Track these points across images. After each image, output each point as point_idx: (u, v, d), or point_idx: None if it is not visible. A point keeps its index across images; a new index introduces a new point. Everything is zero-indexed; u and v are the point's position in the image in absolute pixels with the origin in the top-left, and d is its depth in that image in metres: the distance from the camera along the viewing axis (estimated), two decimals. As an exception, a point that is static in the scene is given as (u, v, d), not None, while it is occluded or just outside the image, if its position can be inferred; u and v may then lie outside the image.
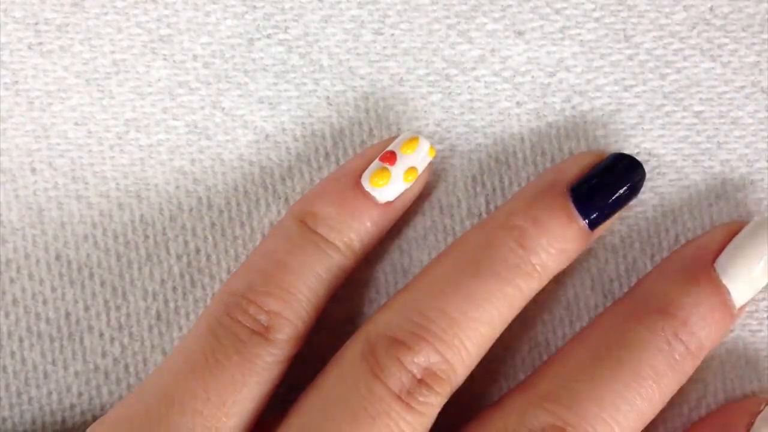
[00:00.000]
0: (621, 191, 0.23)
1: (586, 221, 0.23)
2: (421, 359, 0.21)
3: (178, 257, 0.25)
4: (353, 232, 0.23)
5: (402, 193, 0.24)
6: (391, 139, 0.24)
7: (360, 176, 0.24)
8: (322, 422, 0.21)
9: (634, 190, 0.24)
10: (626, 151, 0.25)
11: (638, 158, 0.24)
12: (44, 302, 0.25)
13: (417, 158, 0.24)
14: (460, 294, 0.22)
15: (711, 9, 0.26)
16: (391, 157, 0.24)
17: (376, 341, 0.22)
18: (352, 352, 0.22)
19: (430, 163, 0.24)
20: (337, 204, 0.23)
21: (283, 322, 0.22)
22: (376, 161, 0.24)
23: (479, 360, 0.23)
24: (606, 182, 0.24)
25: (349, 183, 0.24)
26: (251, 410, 0.22)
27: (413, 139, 0.24)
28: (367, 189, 0.23)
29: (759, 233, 0.23)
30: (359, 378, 0.21)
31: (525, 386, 0.23)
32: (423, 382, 0.21)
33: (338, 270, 0.23)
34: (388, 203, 0.24)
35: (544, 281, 0.23)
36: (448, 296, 0.22)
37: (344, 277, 0.24)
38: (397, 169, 0.24)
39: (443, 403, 0.22)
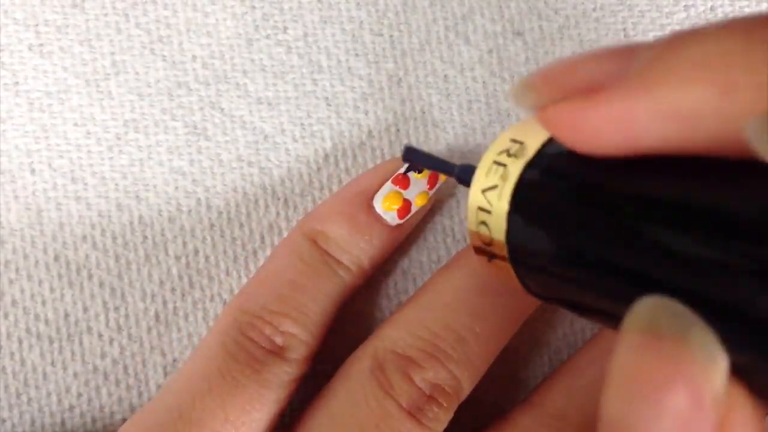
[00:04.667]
0: None
1: None
2: (430, 375, 0.21)
3: (177, 258, 0.25)
4: (363, 253, 0.23)
5: (412, 215, 0.24)
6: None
7: (371, 198, 0.24)
8: None
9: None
10: None
11: None
12: (43, 303, 0.25)
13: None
14: (466, 310, 0.22)
15: (711, 9, 0.26)
16: (403, 181, 0.24)
17: (384, 358, 0.22)
18: (359, 368, 0.22)
19: (440, 187, 0.24)
20: (348, 225, 0.23)
21: (297, 342, 0.22)
22: (389, 183, 0.24)
23: (484, 372, 0.23)
24: None
25: (361, 205, 0.24)
26: (267, 428, 0.22)
27: None
28: (379, 211, 0.23)
29: None
30: (369, 395, 0.21)
31: (534, 403, 0.23)
32: (432, 398, 0.21)
33: (348, 289, 0.23)
34: (399, 225, 0.24)
35: None
36: (455, 312, 0.22)
37: (352, 294, 0.24)
38: (410, 194, 0.24)
39: (451, 417, 0.22)
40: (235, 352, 0.22)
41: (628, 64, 0.14)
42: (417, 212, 0.24)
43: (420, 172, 0.24)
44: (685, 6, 0.26)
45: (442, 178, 0.24)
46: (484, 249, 0.19)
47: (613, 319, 0.16)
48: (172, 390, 0.22)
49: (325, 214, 0.24)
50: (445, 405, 0.21)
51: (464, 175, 0.21)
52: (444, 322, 0.22)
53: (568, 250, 0.16)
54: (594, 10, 0.26)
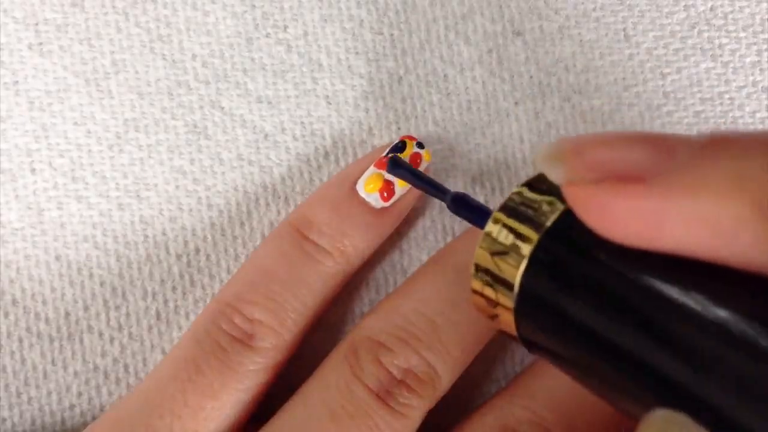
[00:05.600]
0: None
1: None
2: (401, 361, 0.22)
3: (178, 257, 0.25)
4: (346, 238, 0.23)
5: (399, 199, 0.24)
6: (389, 144, 0.24)
7: (355, 182, 0.24)
8: (303, 422, 0.21)
9: None
10: None
11: None
12: (44, 302, 0.25)
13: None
14: (443, 298, 0.22)
15: (711, 9, 0.26)
16: (385, 163, 0.24)
17: (358, 344, 0.22)
18: (335, 356, 0.22)
19: (427, 167, 0.24)
20: (330, 210, 0.23)
21: (266, 331, 0.22)
22: (371, 167, 0.24)
23: (467, 364, 0.23)
24: None
25: (344, 189, 0.24)
26: (232, 416, 0.22)
27: (407, 143, 0.24)
28: (362, 195, 0.23)
29: None
30: (339, 378, 0.22)
31: (507, 387, 0.23)
32: (403, 383, 0.21)
33: (331, 277, 0.23)
34: (384, 209, 0.24)
35: None
36: (431, 300, 0.22)
37: (340, 283, 0.24)
38: (392, 174, 0.24)
39: (428, 407, 0.22)
40: (202, 340, 0.22)
41: (667, 159, 0.14)
42: (406, 196, 0.24)
43: (402, 150, 0.24)
44: (685, 6, 0.26)
45: (427, 159, 0.24)
46: (485, 306, 0.18)
47: (612, 400, 0.16)
48: (146, 379, 0.23)
49: (310, 201, 0.24)
50: (418, 391, 0.21)
51: (458, 206, 0.22)
52: (418, 309, 0.22)
53: (579, 337, 0.16)
54: (594, 10, 0.26)
